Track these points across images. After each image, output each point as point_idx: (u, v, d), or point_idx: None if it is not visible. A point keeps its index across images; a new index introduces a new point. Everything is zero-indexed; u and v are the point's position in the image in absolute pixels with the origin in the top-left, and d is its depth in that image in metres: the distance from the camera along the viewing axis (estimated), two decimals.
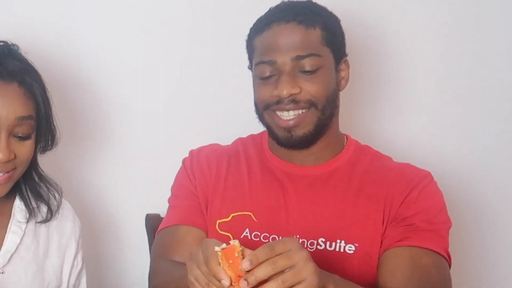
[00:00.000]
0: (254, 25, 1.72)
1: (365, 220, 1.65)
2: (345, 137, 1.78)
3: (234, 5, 2.06)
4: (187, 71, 2.07)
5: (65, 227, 1.68)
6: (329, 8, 1.74)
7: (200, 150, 1.80)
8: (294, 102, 1.63)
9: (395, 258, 1.61)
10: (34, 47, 1.64)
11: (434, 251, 1.62)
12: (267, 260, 1.29)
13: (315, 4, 1.73)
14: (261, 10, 1.74)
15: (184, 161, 1.80)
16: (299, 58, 1.63)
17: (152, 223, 1.87)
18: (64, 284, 1.66)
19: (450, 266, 1.66)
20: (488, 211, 2.24)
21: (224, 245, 1.31)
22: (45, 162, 1.86)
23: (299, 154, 1.70)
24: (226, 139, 1.85)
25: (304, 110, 1.64)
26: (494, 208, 2.25)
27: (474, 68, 2.22)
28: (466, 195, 2.21)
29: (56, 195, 1.66)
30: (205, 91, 2.07)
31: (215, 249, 1.30)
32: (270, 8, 1.73)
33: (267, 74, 1.66)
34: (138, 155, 2.05)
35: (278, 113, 1.65)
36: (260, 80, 1.67)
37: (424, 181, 1.69)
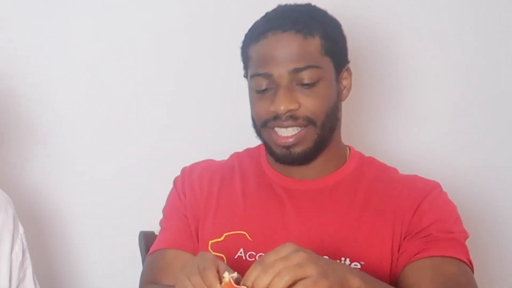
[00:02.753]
0: (249, 31, 1.63)
1: (371, 236, 1.57)
2: (348, 148, 1.70)
3: (233, 12, 1.99)
4: (184, 83, 2.02)
5: None
6: (331, 12, 1.64)
7: (193, 168, 1.72)
8: (293, 118, 1.54)
9: (417, 271, 1.51)
10: None
11: (458, 259, 1.52)
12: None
13: (315, 9, 1.64)
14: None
15: (175, 181, 1.72)
16: (296, 70, 1.54)
17: (147, 241, 1.80)
18: (4, 283, 1.54)
19: None
20: (503, 225, 2.16)
21: (235, 274, 1.23)
22: (39, 173, 1.86)
23: (299, 169, 1.62)
24: (226, 152, 1.76)
25: (302, 128, 1.55)
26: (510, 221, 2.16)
27: (485, 76, 2.14)
28: (478, 208, 2.12)
29: None
30: (204, 104, 2.02)
31: (225, 274, 1.22)
32: (266, 13, 1.63)
33: (263, 87, 1.57)
34: (131, 169, 2.00)
35: (276, 129, 1.57)
36: (256, 94, 1.59)
37: (434, 191, 1.61)
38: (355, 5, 2.03)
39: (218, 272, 1.24)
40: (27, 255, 1.62)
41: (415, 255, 1.52)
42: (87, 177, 2.00)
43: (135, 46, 2.01)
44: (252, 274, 1.21)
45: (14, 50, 1.96)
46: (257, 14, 1.64)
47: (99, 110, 2.00)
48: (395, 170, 1.69)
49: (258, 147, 1.71)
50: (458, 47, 2.12)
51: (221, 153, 1.77)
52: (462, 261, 1.53)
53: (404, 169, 1.70)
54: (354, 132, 1.96)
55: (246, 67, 1.64)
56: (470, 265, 1.55)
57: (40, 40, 1.98)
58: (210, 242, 1.59)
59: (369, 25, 2.05)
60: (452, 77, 2.13)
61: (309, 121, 1.55)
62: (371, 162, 1.69)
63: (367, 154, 1.71)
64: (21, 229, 1.63)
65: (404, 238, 1.56)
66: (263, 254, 1.51)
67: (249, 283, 1.20)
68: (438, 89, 2.12)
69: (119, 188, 2.00)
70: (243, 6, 1.95)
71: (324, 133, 1.58)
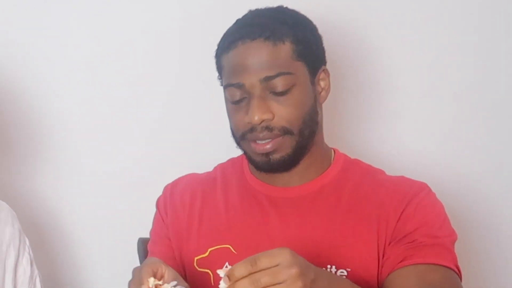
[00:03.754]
0: (220, 40, 1.61)
1: (356, 242, 1.55)
2: (333, 151, 1.67)
3: (232, 15, 1.96)
4: (183, 84, 2.02)
5: (5, 232, 1.59)
6: (309, 12, 1.61)
7: (174, 185, 1.71)
8: (268, 129, 1.52)
9: (401, 279, 1.49)
10: None
11: (443, 266, 1.50)
12: (248, 275, 1.20)
13: (285, 12, 1.60)
14: None
15: (157, 202, 1.72)
16: (268, 79, 1.51)
17: (145, 247, 1.78)
18: None
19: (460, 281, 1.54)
20: (493, 223, 2.13)
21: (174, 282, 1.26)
22: (37, 179, 1.88)
23: (282, 176, 1.60)
24: (226, 155, 1.76)
25: (279, 138, 1.53)
26: (501, 219, 2.13)
27: (469, 72, 2.10)
28: (468, 205, 2.10)
29: None
30: (205, 106, 2.02)
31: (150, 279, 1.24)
32: (237, 20, 1.61)
33: (237, 97, 1.56)
34: (130, 175, 2.01)
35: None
36: (232, 104, 1.58)
37: (420, 194, 1.57)
38: (336, 7, 2.00)
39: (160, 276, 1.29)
40: (34, 266, 1.66)
41: (400, 262, 1.50)
42: (85, 184, 2.01)
43: (134, 47, 2.02)
44: (239, 271, 1.22)
45: (13, 50, 1.98)
46: None
47: (97, 115, 2.01)
48: (381, 172, 1.66)
49: (241, 156, 1.69)
50: (441, 44, 2.08)
51: (222, 156, 1.76)
52: (448, 267, 1.50)
53: (392, 169, 1.67)
54: (340, 135, 1.95)
55: (220, 77, 1.62)
56: (457, 271, 1.53)
57: (39, 40, 1.99)
58: (196, 258, 1.59)
59: (352, 26, 2.02)
60: (437, 74, 2.09)
61: (285, 131, 1.53)
62: (356, 164, 1.66)
63: (353, 156, 1.68)
64: (27, 241, 1.66)
65: (389, 244, 1.54)
66: None
67: (234, 277, 1.21)
68: (424, 87, 2.09)
69: (117, 195, 2.01)
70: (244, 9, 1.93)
71: (303, 139, 1.55)
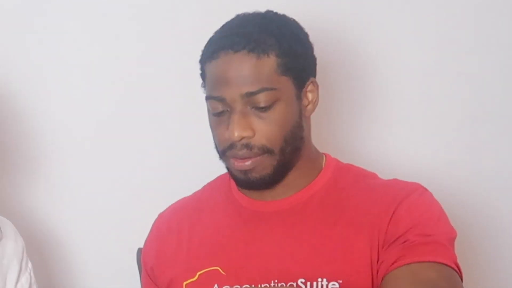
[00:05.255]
0: (205, 46, 1.55)
1: (347, 252, 1.50)
2: (324, 157, 1.62)
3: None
4: (178, 95, 2.00)
5: (6, 246, 1.61)
6: (300, 16, 1.56)
7: (160, 218, 1.69)
8: (247, 147, 1.48)
9: (395, 281, 1.43)
10: None
11: (439, 263, 1.43)
12: None
13: (273, 19, 1.54)
14: None
15: (142, 254, 1.70)
16: (250, 94, 1.47)
17: None
18: None
19: (461, 280, 1.47)
20: (492, 226, 2.10)
21: None
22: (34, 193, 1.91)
23: (269, 189, 1.57)
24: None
25: (258, 157, 1.49)
26: (500, 222, 2.10)
27: (468, 74, 2.06)
28: (467, 207, 2.07)
29: None
30: (201, 113, 1.98)
31: None
32: (223, 25, 1.55)
33: (219, 110, 1.51)
34: (129, 185, 2.01)
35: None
36: (214, 117, 1.53)
37: (413, 195, 1.52)
38: (334, 11, 1.96)
39: None
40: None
41: (393, 263, 1.45)
42: (84, 193, 2.00)
43: (131, 50, 2.00)
44: None
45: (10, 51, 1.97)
46: None
47: (94, 122, 2.00)
48: (373, 175, 1.62)
49: (228, 173, 1.64)
50: (438, 47, 2.05)
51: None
52: (444, 264, 1.44)
53: (387, 173, 1.63)
54: (333, 139, 1.93)
55: (204, 85, 1.58)
56: (457, 268, 1.47)
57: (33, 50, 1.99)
58: (184, 283, 1.57)
59: (347, 31, 1.99)
60: (433, 76, 2.05)
61: (265, 150, 1.49)
62: (347, 169, 1.62)
63: (348, 161, 1.64)
64: (30, 264, 1.67)
65: (382, 248, 1.49)
66: (238, 287, 1.52)
67: None
68: (419, 89, 2.06)
69: (115, 204, 2.00)
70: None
71: (285, 158, 1.51)
